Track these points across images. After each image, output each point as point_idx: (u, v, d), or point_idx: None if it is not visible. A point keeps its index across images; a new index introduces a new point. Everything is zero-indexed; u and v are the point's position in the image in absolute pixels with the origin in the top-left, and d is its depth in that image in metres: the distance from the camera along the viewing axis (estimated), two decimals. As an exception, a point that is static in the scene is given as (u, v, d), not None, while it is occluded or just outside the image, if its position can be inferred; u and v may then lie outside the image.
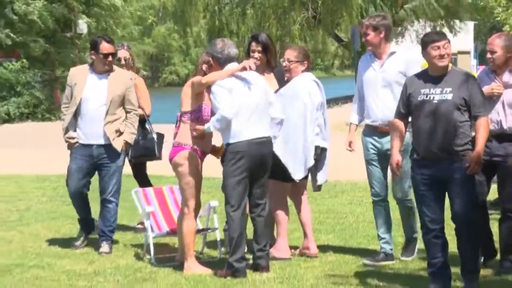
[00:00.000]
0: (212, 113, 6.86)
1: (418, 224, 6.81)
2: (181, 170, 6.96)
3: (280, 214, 7.48)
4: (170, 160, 7.06)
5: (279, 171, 7.32)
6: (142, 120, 8.59)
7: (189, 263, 7.00)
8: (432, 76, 6.08)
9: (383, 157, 7.19)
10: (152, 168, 9.40)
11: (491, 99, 6.69)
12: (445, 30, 28.39)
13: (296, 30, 26.46)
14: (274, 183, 7.40)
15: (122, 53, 9.02)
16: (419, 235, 6.96)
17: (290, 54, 7.60)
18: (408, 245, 7.46)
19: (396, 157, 6.15)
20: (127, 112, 7.86)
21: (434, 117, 5.99)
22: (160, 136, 8.85)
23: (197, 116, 6.96)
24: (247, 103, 6.87)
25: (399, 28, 27.76)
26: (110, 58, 7.71)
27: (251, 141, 6.82)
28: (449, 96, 5.96)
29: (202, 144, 7.02)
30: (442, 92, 5.98)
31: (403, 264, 7.26)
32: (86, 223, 8.02)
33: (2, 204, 9.86)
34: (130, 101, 7.85)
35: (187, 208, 7.04)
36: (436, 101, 5.98)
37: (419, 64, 7.17)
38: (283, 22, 27.71)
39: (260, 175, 7.00)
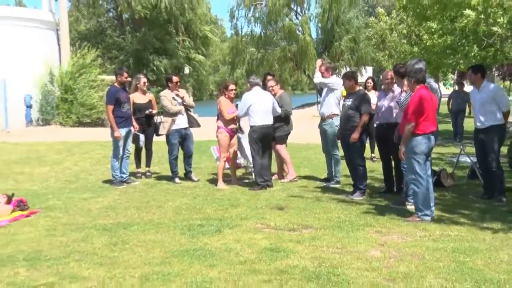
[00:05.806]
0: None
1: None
2: (219, 138, 6.67)
3: (286, 156, 7.11)
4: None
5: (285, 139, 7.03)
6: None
7: (218, 183, 6.65)
8: None
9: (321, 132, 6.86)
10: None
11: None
12: (359, 72, 27.85)
13: (286, 72, 26.55)
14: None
15: (143, 79, 7.39)
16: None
17: (271, 81, 7.11)
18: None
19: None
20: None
21: None
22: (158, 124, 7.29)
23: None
24: (261, 107, 6.55)
25: (336, 70, 27.42)
26: (178, 84, 7.01)
27: (262, 126, 6.52)
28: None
29: (228, 126, 6.68)
30: None
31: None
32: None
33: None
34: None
35: (220, 157, 6.76)
36: None
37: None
38: (281, 67, 27.49)
39: (266, 146, 6.63)
